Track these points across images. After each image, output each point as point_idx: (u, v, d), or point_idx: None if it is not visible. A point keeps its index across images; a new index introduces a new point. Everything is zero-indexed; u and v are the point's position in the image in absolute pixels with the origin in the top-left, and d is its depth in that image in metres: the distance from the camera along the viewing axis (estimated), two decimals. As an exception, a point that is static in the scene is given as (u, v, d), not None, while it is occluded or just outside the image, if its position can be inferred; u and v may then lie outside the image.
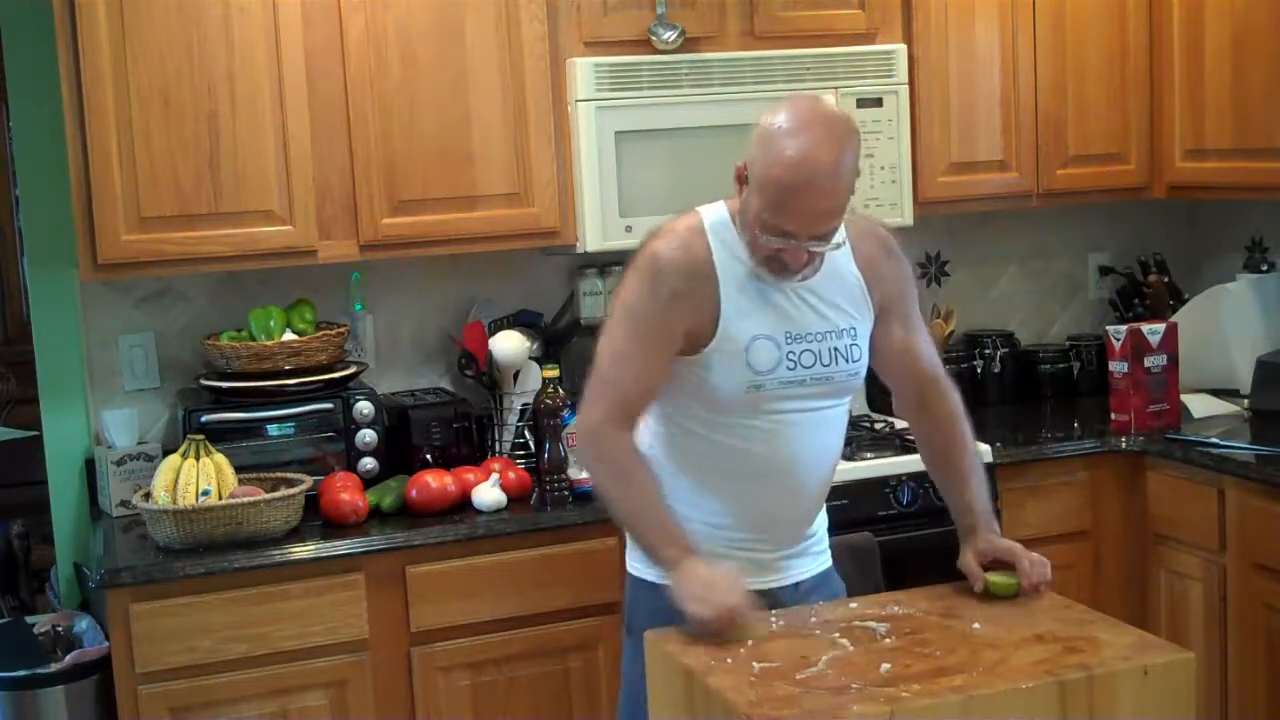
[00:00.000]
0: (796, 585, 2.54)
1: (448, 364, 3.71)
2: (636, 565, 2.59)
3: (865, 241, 2.50)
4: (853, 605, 2.37)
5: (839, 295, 2.46)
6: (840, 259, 2.45)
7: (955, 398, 2.56)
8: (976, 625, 2.21)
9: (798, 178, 2.24)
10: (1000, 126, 3.81)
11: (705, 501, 2.48)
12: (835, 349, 2.45)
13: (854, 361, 2.48)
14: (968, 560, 2.38)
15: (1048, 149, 3.85)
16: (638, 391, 2.41)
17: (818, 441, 2.50)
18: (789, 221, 2.28)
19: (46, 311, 3.51)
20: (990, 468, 3.48)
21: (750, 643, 2.18)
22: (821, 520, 2.64)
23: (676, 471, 2.49)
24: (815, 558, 2.61)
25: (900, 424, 3.48)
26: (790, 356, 2.42)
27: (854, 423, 3.60)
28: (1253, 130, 3.62)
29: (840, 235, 2.40)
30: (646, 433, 2.51)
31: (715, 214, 2.45)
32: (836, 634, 2.21)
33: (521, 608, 3.17)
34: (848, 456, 3.29)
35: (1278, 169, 3.55)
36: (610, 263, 3.70)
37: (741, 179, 2.36)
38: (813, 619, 2.28)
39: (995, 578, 2.32)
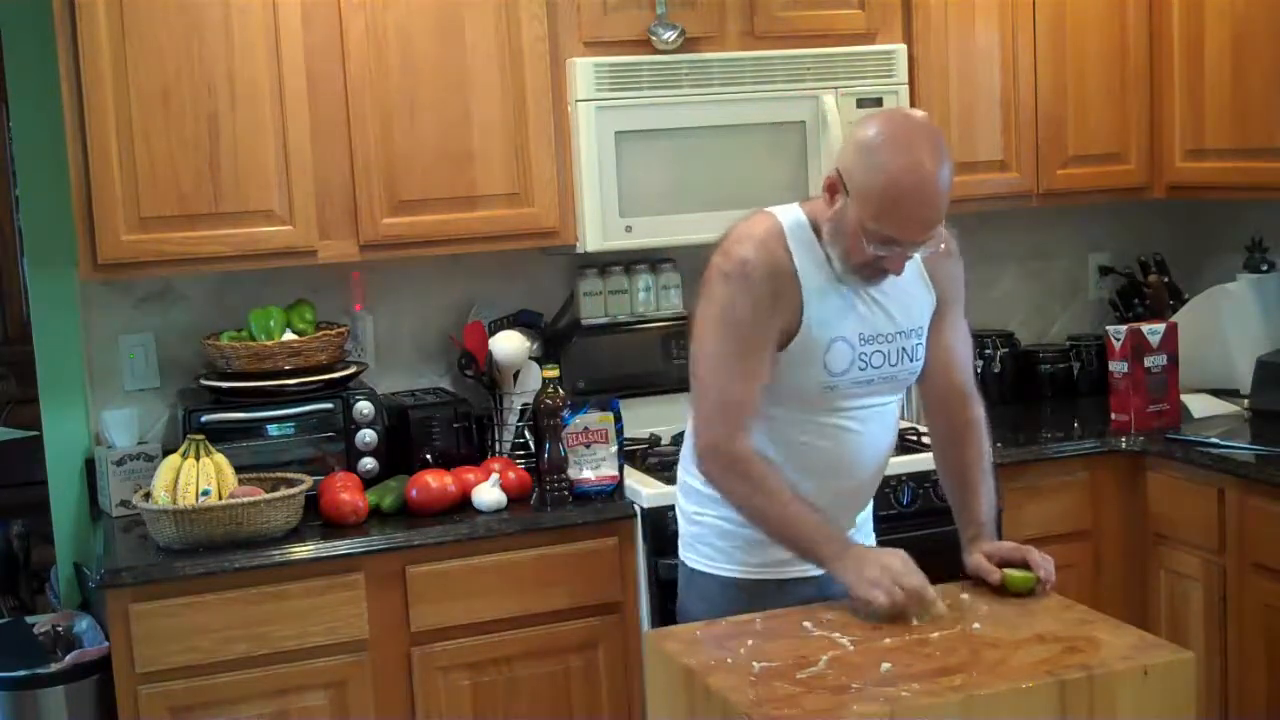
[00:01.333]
0: None
1: (448, 364, 3.71)
2: (692, 557, 2.64)
3: None
4: (853, 605, 2.37)
5: (908, 297, 2.50)
6: (910, 267, 2.46)
7: (979, 410, 2.59)
8: (977, 625, 2.22)
9: (906, 186, 2.27)
10: (1000, 126, 3.81)
11: None
12: (903, 349, 2.50)
13: (916, 360, 2.54)
14: (977, 560, 2.40)
15: (1048, 149, 3.85)
16: (749, 398, 2.41)
17: (877, 436, 2.55)
18: (897, 229, 2.30)
19: (46, 311, 3.51)
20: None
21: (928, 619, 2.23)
22: (870, 514, 2.71)
23: None
24: (869, 536, 2.68)
25: (901, 424, 3.48)
26: (862, 357, 2.46)
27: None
28: (1253, 130, 3.62)
29: (939, 237, 2.41)
30: None
31: (791, 216, 2.46)
32: (838, 634, 2.21)
33: (521, 608, 3.17)
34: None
35: (1278, 169, 3.55)
36: (610, 263, 3.70)
37: (835, 189, 2.36)
38: (807, 623, 2.28)
39: (1013, 573, 2.35)
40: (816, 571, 2.43)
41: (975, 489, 2.53)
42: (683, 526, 2.68)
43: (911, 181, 2.28)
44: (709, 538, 2.60)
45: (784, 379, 2.43)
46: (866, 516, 2.70)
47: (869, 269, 2.38)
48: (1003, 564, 2.38)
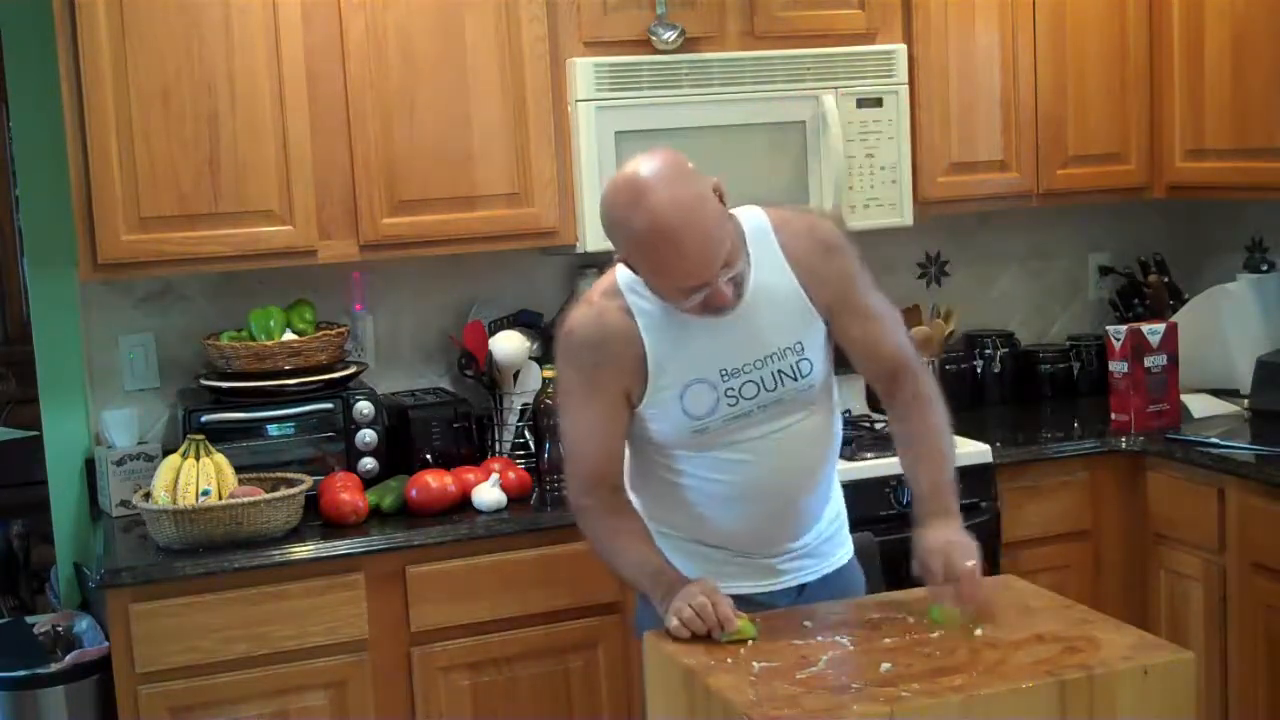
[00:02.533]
0: (801, 588, 2.52)
1: (448, 364, 3.71)
2: None
3: (798, 243, 2.39)
4: (853, 605, 2.37)
5: (776, 314, 2.38)
6: (770, 274, 2.36)
7: (925, 380, 2.49)
8: (977, 626, 2.21)
9: (650, 238, 2.19)
10: (1000, 126, 3.81)
11: (691, 524, 2.47)
12: (779, 371, 2.38)
13: (804, 377, 2.40)
14: (920, 564, 2.31)
15: (1048, 149, 3.85)
16: (603, 459, 2.42)
17: (791, 460, 2.44)
18: (674, 279, 2.23)
19: (46, 311, 3.51)
20: (990, 468, 3.50)
21: (748, 643, 2.18)
22: (829, 522, 2.58)
23: (654, 500, 2.49)
24: (822, 559, 2.56)
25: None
26: (729, 394, 2.36)
27: (854, 423, 3.62)
28: (1253, 130, 3.62)
29: (766, 246, 2.35)
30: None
31: (629, 272, 2.35)
32: (837, 634, 2.21)
33: (521, 608, 3.17)
34: (847, 457, 3.29)
35: (1278, 169, 3.54)
36: (610, 263, 3.69)
37: (629, 265, 2.30)
38: (808, 623, 2.28)
39: (938, 611, 2.25)
40: (741, 589, 2.38)
41: (920, 460, 2.43)
42: None
43: (648, 230, 2.18)
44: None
45: (654, 427, 2.40)
46: (828, 536, 2.57)
47: (704, 309, 2.27)
48: (940, 577, 2.27)
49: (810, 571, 2.53)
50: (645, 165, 2.24)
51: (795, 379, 2.39)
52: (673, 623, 2.23)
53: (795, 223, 2.44)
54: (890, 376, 2.49)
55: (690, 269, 2.21)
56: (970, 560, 2.26)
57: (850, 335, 2.45)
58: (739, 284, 2.29)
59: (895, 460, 3.40)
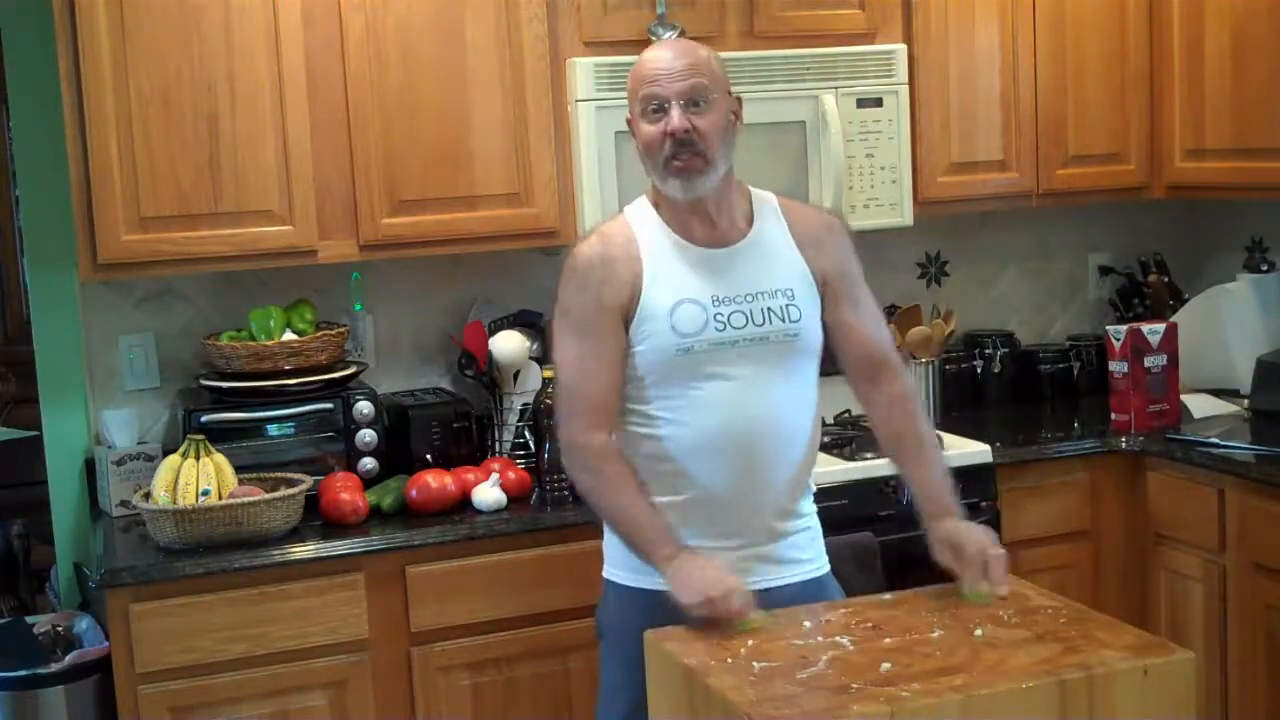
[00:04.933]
0: (765, 592, 2.41)
1: (448, 364, 3.71)
2: (610, 569, 2.60)
3: (804, 219, 2.57)
4: (853, 605, 2.37)
5: (773, 262, 2.51)
6: (771, 233, 2.52)
7: (904, 379, 2.56)
8: (977, 626, 2.21)
9: (653, 51, 2.48)
10: (1000, 126, 3.81)
11: (671, 489, 2.46)
12: (769, 309, 2.46)
13: (791, 321, 2.47)
14: (940, 554, 2.36)
15: (1048, 149, 3.85)
16: (601, 390, 2.44)
17: (769, 415, 2.46)
18: (647, 84, 2.43)
19: (46, 311, 3.51)
20: (990, 468, 3.50)
21: (750, 640, 2.18)
22: (802, 527, 2.57)
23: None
24: (791, 566, 2.54)
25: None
26: (719, 318, 2.44)
27: (853, 422, 3.62)
28: (1253, 130, 3.62)
29: (770, 214, 2.52)
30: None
31: (637, 204, 2.57)
32: (838, 635, 2.21)
33: (521, 608, 3.17)
34: (847, 456, 3.29)
35: (1278, 169, 3.55)
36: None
37: (631, 126, 2.51)
38: (808, 623, 2.28)
39: (973, 592, 2.29)
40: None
41: (920, 462, 2.48)
42: (606, 536, 2.62)
43: (655, 49, 2.49)
44: (614, 543, 2.55)
45: (638, 353, 2.44)
46: (797, 542, 2.55)
47: (669, 157, 2.42)
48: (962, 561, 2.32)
49: (779, 577, 2.51)
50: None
51: (783, 321, 2.47)
52: (693, 602, 2.22)
53: (801, 205, 2.65)
54: (873, 369, 2.55)
55: (665, 71, 2.43)
56: (996, 545, 2.33)
57: (839, 317, 2.53)
58: (700, 138, 2.42)
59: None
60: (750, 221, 2.53)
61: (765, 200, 2.58)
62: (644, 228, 2.50)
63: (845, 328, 2.53)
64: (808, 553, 2.58)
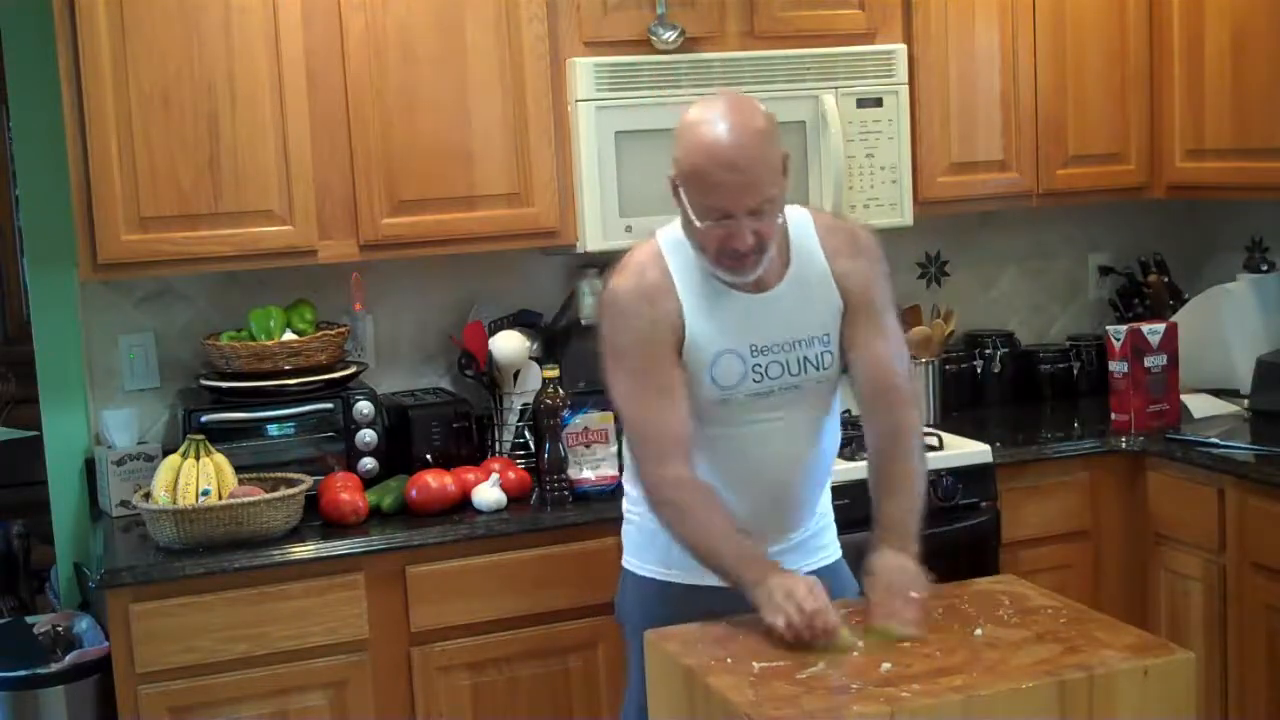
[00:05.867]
0: None
1: (448, 364, 3.71)
2: (629, 559, 2.64)
3: (834, 236, 2.50)
4: (853, 605, 2.37)
5: (811, 302, 2.45)
6: (809, 265, 2.44)
7: (909, 412, 2.50)
8: (977, 626, 2.22)
9: (705, 150, 2.28)
10: (1000, 126, 3.81)
11: None
12: (805, 358, 2.44)
13: (824, 369, 2.46)
14: (867, 585, 2.32)
15: (1048, 149, 3.85)
16: (669, 423, 2.36)
17: (790, 449, 2.49)
18: (712, 195, 2.28)
19: (46, 311, 3.51)
20: (990, 468, 3.50)
21: (822, 663, 2.10)
22: (818, 520, 2.63)
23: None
24: (808, 555, 2.59)
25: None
26: (756, 369, 2.41)
27: (854, 423, 3.61)
28: (1253, 130, 3.62)
29: (806, 237, 2.42)
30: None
31: (670, 233, 2.46)
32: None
33: (521, 608, 3.17)
34: (847, 456, 3.29)
35: (1278, 169, 3.55)
36: (610, 263, 3.68)
37: (674, 187, 2.37)
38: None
39: (878, 629, 2.21)
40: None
41: (894, 496, 2.43)
42: (624, 525, 2.69)
43: (711, 149, 2.28)
44: (633, 534, 2.62)
45: None
46: (815, 532, 2.62)
47: (726, 257, 2.33)
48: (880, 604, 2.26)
49: (796, 568, 2.51)
50: (739, 95, 2.38)
51: (818, 369, 2.45)
52: (779, 623, 2.17)
53: (835, 222, 2.57)
54: (881, 397, 2.50)
55: (734, 187, 2.27)
56: (921, 590, 2.27)
57: (857, 341, 2.48)
58: (761, 243, 2.32)
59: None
60: (788, 258, 2.46)
61: (801, 225, 2.49)
62: (681, 265, 2.42)
63: (859, 348, 2.49)
64: (823, 540, 2.65)
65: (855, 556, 3.05)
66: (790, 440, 2.48)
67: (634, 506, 2.60)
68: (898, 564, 2.31)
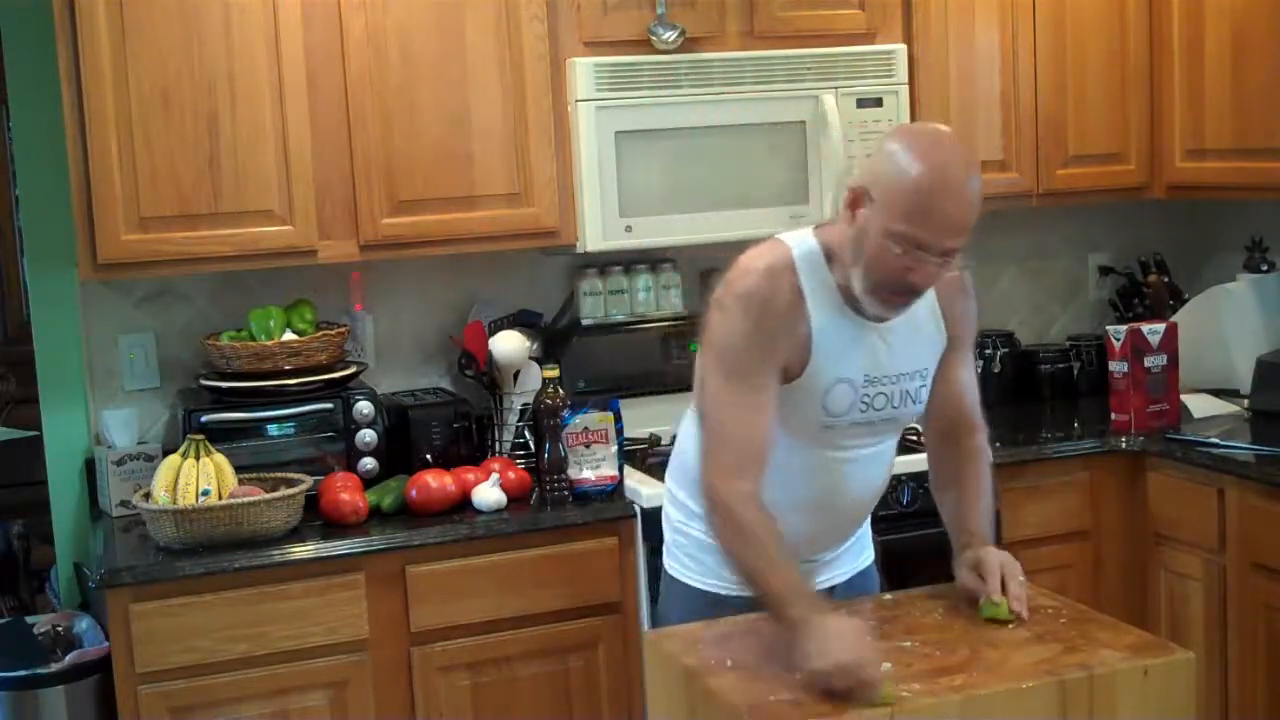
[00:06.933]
0: (831, 590, 2.57)
1: (448, 364, 3.71)
2: (674, 565, 2.63)
3: (943, 280, 2.38)
4: (853, 606, 2.37)
5: (922, 337, 2.43)
6: (925, 300, 2.37)
7: (983, 440, 2.53)
8: (977, 626, 2.22)
9: (936, 181, 2.17)
10: (1000, 126, 3.81)
11: None
12: (907, 391, 2.43)
13: (918, 404, 2.47)
14: (964, 578, 2.34)
15: (1048, 149, 3.85)
16: (753, 437, 2.28)
17: (871, 474, 2.51)
18: (925, 227, 2.17)
19: (46, 311, 3.51)
20: (989, 468, 3.49)
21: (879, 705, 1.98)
22: (865, 531, 2.69)
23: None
24: (852, 559, 2.65)
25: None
26: (865, 399, 2.39)
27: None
28: (1253, 130, 3.62)
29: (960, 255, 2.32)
30: (688, 440, 2.50)
31: (804, 245, 2.35)
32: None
33: (521, 608, 3.17)
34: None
35: (1278, 169, 3.55)
36: (610, 263, 3.70)
37: (858, 201, 2.24)
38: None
39: (991, 604, 2.25)
40: None
41: (973, 504, 2.45)
42: (668, 534, 2.68)
43: (941, 177, 2.17)
44: (690, 549, 2.59)
45: (782, 414, 2.34)
46: (858, 541, 2.66)
47: (891, 290, 2.25)
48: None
49: (840, 574, 2.61)
50: (949, 132, 2.32)
51: (915, 403, 2.46)
52: (824, 669, 2.02)
53: None
54: (962, 429, 2.53)
55: (949, 225, 2.18)
56: (1022, 575, 2.31)
57: (948, 377, 2.50)
58: (930, 282, 2.26)
59: (895, 461, 3.43)
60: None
61: None
62: (814, 284, 2.32)
63: (947, 383, 2.49)
64: (865, 542, 2.70)
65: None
66: (874, 467, 2.51)
67: (693, 522, 2.54)
68: (1002, 555, 2.34)
